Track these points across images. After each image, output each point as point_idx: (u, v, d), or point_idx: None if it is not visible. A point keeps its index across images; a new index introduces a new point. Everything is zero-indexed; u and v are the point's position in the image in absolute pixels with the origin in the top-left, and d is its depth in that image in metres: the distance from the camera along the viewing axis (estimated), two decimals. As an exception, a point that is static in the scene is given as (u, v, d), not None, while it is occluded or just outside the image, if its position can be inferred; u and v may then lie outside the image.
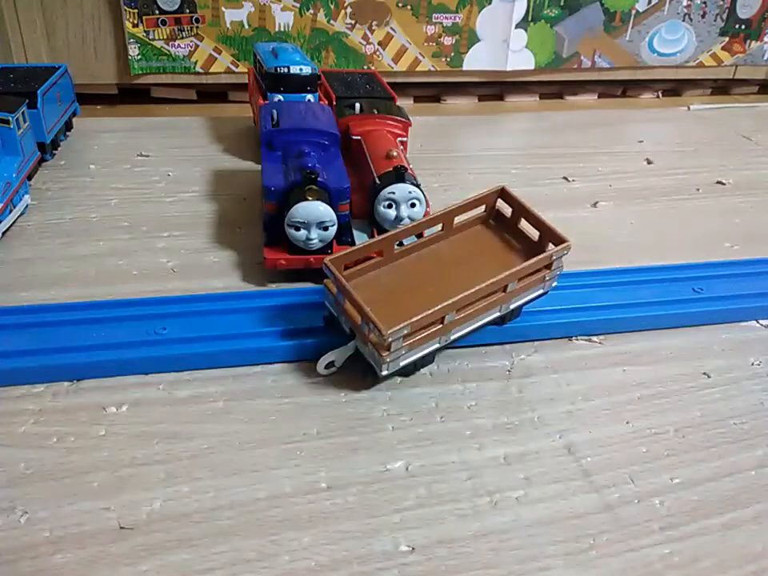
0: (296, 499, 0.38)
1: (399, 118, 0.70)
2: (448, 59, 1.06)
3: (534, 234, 0.52)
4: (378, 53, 1.03)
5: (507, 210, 0.54)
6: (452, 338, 0.47)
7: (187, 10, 0.94)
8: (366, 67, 1.02)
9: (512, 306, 0.49)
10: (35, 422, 0.42)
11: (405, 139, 0.69)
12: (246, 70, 0.94)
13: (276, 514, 0.38)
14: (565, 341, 0.53)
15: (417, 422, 0.44)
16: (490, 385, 0.48)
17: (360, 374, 0.48)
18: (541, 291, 0.50)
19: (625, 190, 0.80)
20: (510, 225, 0.53)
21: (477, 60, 1.07)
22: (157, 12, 0.92)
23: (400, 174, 0.57)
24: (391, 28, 1.01)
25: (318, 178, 0.55)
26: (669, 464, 0.43)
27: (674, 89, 1.21)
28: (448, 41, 1.04)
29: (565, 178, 0.82)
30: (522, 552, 0.36)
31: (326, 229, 0.54)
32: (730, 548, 0.38)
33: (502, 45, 1.06)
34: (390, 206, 0.57)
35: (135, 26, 0.92)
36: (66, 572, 0.34)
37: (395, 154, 0.60)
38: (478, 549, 0.36)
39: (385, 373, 0.44)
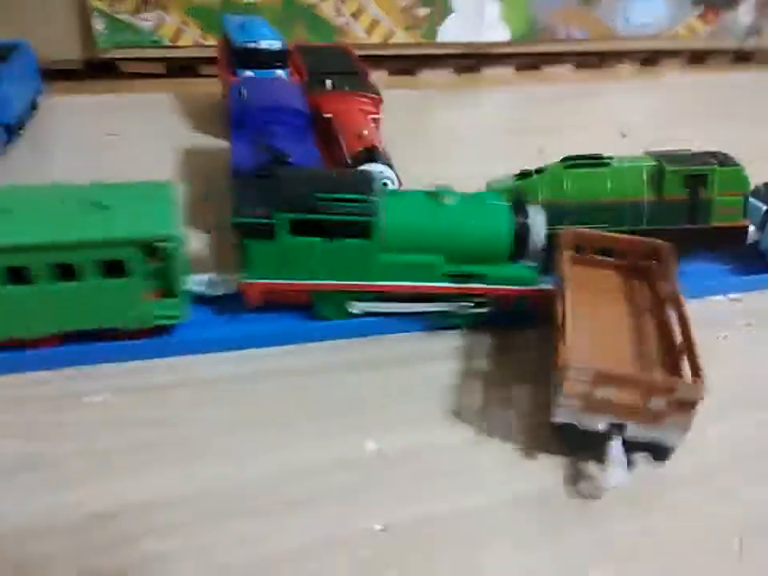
0: (274, 484, 0.39)
1: (371, 95, 0.69)
2: (422, 31, 1.04)
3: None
4: (349, 25, 1.01)
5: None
6: None
7: (153, -18, 0.91)
8: (337, 40, 1.01)
9: None
10: (11, 411, 0.42)
11: (377, 116, 0.68)
12: (216, 43, 0.92)
13: (256, 499, 0.38)
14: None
15: (394, 400, 0.45)
16: (471, 363, 0.49)
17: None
18: None
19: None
20: (594, 258, 0.51)
21: (451, 32, 1.06)
22: (121, -16, 0.90)
23: (370, 154, 0.56)
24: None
25: (289, 158, 0.54)
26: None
27: (650, 59, 1.20)
28: (421, 12, 1.03)
29: (539, 151, 0.82)
30: (495, 529, 0.37)
31: None
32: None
33: (477, 16, 1.05)
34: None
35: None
36: (40, 563, 0.34)
37: (366, 133, 0.60)
38: (457, 525, 0.37)
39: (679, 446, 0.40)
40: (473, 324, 0.50)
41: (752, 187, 0.60)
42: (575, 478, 0.40)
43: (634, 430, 0.39)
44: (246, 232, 0.45)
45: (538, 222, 0.48)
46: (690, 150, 0.56)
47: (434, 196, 0.48)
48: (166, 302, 0.44)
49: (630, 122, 0.94)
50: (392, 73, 1.09)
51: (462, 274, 0.48)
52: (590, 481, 0.39)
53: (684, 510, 0.39)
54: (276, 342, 0.48)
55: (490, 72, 1.13)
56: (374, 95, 0.69)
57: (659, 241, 0.49)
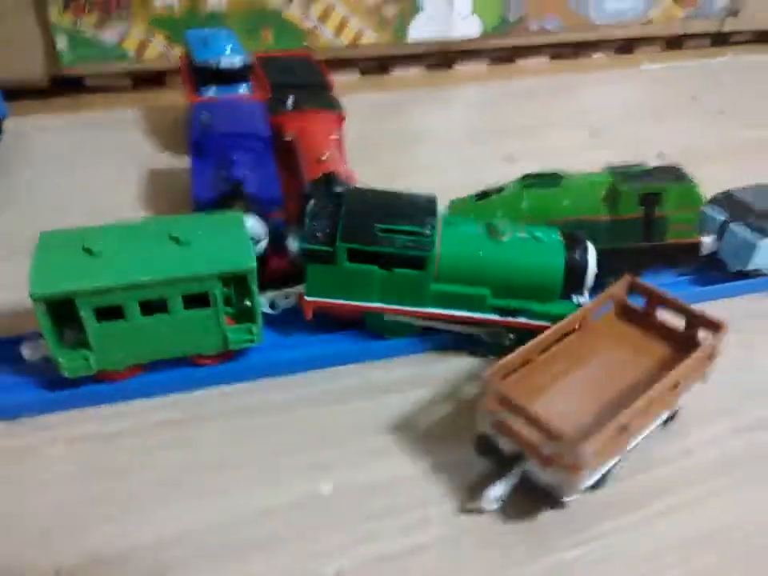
0: (233, 529, 0.40)
1: (333, 112, 0.68)
2: (392, 30, 1.03)
3: (673, 322, 0.48)
4: (318, 28, 1.00)
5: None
6: (629, 448, 0.42)
7: (114, -5, 0.90)
8: (306, 44, 1.00)
9: (678, 405, 0.45)
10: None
11: (339, 135, 0.68)
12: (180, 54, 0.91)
13: (215, 544, 0.39)
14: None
15: (350, 437, 0.46)
16: (427, 389, 0.49)
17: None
18: (700, 383, 0.46)
19: (568, 169, 0.79)
20: (644, 316, 0.49)
21: (421, 29, 1.04)
22: (83, 0, 0.88)
23: (329, 182, 0.56)
24: (331, 1, 0.98)
25: (246, 189, 0.54)
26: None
27: (625, 46, 1.19)
28: (390, 11, 1.01)
29: (507, 159, 0.82)
30: (447, 565, 0.38)
31: (256, 243, 0.54)
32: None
33: (447, 12, 1.04)
34: (321, 215, 0.56)
35: (61, 15, 0.89)
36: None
37: (326, 158, 0.59)
38: (409, 565, 0.38)
39: (571, 498, 0.40)
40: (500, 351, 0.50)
41: (722, 190, 0.61)
42: (473, 490, 0.41)
43: (532, 467, 0.40)
44: (310, 257, 0.48)
45: (592, 258, 0.49)
46: (646, 165, 0.56)
47: (490, 231, 0.49)
48: (244, 327, 0.48)
49: (602, 118, 0.93)
50: (363, 72, 1.08)
51: (510, 308, 0.49)
52: (480, 497, 0.40)
53: (629, 533, 0.40)
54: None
55: (463, 68, 1.11)
56: (336, 112, 0.69)
57: (715, 318, 0.45)
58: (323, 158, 0.59)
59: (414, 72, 1.10)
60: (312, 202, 0.55)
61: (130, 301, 0.43)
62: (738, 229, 0.58)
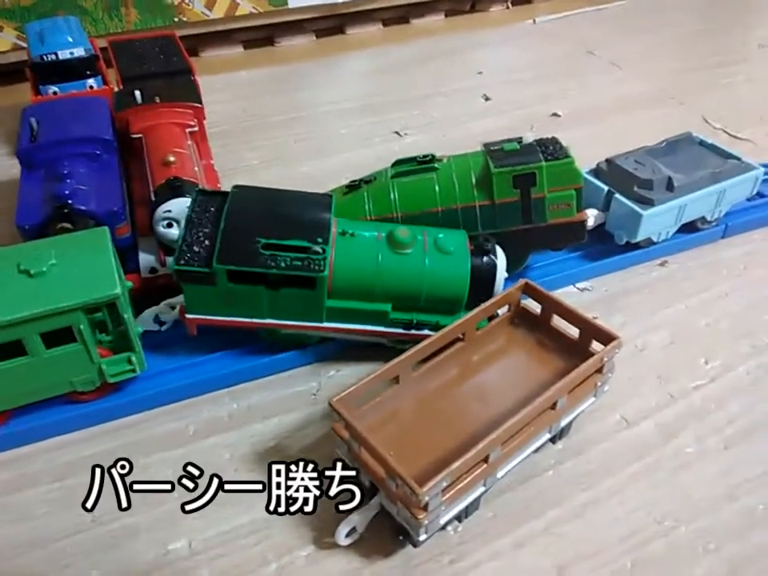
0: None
1: (188, 104, 0.61)
2: (270, -2, 0.95)
3: (569, 330, 0.45)
4: (187, 1, 0.91)
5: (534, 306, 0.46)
6: (498, 475, 0.38)
7: (-53, -15, 0.80)
8: (177, 19, 0.91)
9: (563, 424, 0.41)
10: None
11: (195, 129, 0.61)
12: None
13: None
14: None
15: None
16: (292, 416, 0.45)
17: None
18: (593, 399, 0.42)
19: (459, 140, 0.75)
20: (540, 323, 0.46)
21: (303, -5, 0.97)
22: None
23: (175, 188, 0.50)
24: (196, -29, 0.90)
25: (80, 206, 0.48)
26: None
27: (523, -5, 1.14)
28: (264, -22, 0.94)
29: (396, 133, 0.77)
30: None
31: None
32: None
33: (328, -26, 0.96)
34: (170, 225, 0.51)
35: None
36: None
37: (172, 159, 0.53)
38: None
39: (423, 537, 0.35)
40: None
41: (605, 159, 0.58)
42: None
43: (383, 500, 0.36)
44: (185, 279, 0.43)
45: (501, 263, 0.46)
46: (521, 140, 0.52)
47: (391, 242, 0.45)
48: (121, 357, 0.44)
49: (497, 80, 0.89)
50: (247, 46, 1.01)
51: (412, 322, 0.46)
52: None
53: (504, 560, 0.38)
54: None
55: (354, 33, 1.05)
56: (192, 104, 0.62)
57: (611, 331, 0.42)
58: (170, 159, 0.53)
59: (302, 41, 1.02)
60: (162, 207, 0.49)
61: None
62: (623, 199, 0.55)
